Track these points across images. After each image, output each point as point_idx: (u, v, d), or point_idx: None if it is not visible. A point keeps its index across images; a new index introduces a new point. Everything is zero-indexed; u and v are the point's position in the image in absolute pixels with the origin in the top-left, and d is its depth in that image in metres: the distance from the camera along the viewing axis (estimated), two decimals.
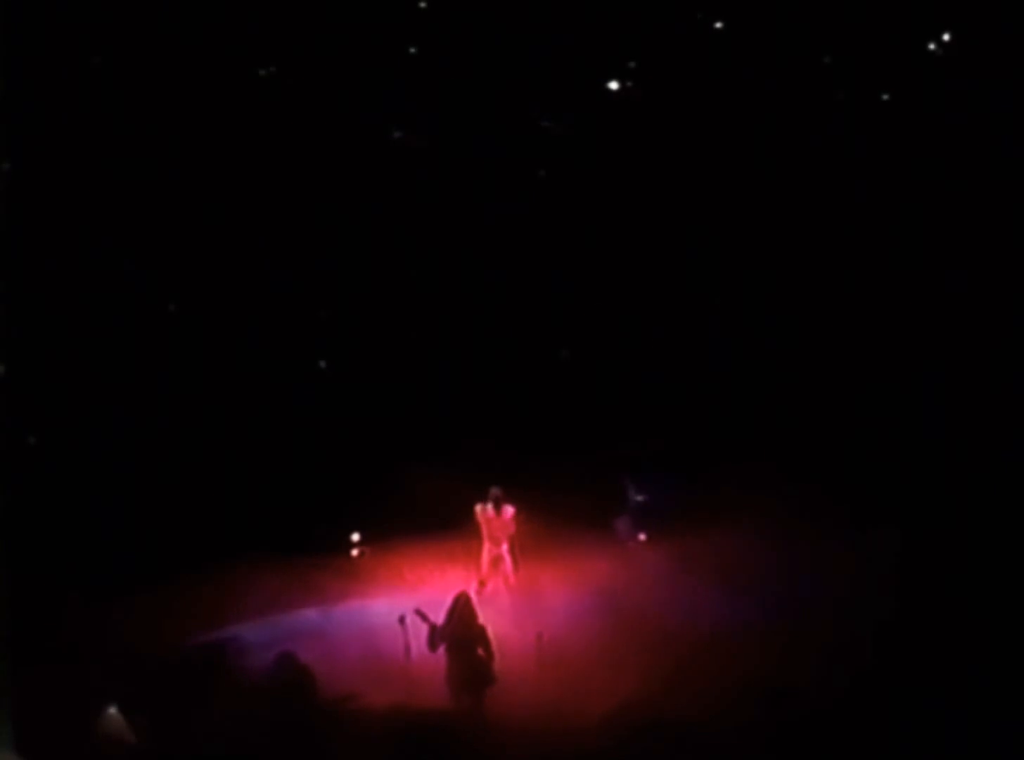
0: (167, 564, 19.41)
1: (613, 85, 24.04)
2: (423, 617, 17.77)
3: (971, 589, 18.57)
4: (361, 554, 20.19)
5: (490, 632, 17.69)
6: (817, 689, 16.93)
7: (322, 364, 23.34)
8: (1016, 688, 16.91)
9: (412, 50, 24.57)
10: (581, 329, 23.19)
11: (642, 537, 20.51)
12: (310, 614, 18.45)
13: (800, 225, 23.04)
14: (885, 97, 23.16)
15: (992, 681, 17.04)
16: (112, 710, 16.44)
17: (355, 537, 20.21)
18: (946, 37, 23.17)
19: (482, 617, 17.83)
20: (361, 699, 17.15)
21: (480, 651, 17.54)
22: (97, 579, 19.07)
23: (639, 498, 21.07)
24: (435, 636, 17.63)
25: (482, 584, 19.73)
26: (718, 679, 17.71)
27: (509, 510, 19.70)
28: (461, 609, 17.72)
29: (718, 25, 23.86)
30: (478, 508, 19.78)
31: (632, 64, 23.99)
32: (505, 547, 19.77)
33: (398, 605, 18.60)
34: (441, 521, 20.14)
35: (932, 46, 23.19)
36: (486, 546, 19.81)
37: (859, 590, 18.67)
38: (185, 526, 20.22)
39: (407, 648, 18.01)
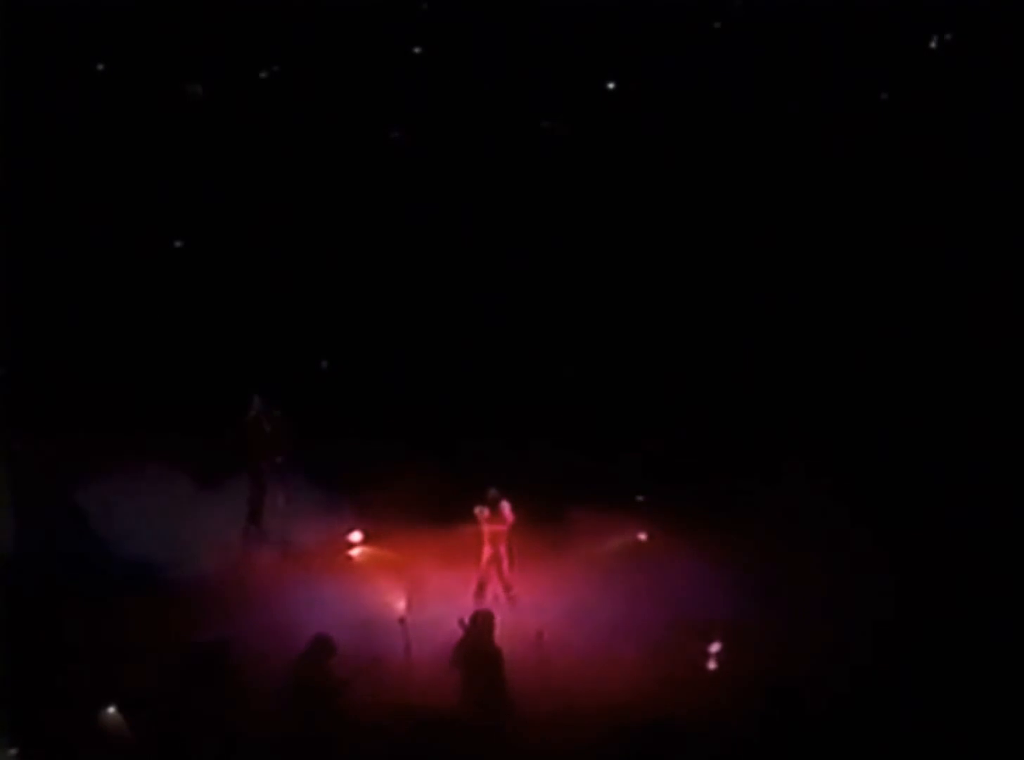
0: (167, 563, 19.50)
1: (611, 85, 24.10)
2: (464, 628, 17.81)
3: (971, 589, 18.59)
4: (361, 554, 20.19)
5: (504, 653, 17.54)
6: (817, 689, 16.91)
7: (324, 363, 23.39)
8: (1016, 689, 16.92)
9: (416, 50, 24.68)
10: (582, 329, 23.23)
11: (642, 537, 20.49)
12: (310, 613, 18.40)
13: (801, 226, 23.10)
14: (884, 96, 23.21)
15: (992, 681, 17.06)
16: (112, 710, 16.45)
17: (355, 537, 20.22)
18: (947, 36, 23.18)
19: (498, 635, 17.80)
20: (358, 694, 17.13)
21: (496, 671, 17.41)
22: (97, 579, 19.11)
23: (640, 498, 21.06)
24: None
25: (482, 585, 19.72)
26: (719, 679, 17.78)
27: (507, 511, 19.70)
28: (481, 626, 17.67)
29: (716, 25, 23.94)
30: (477, 510, 19.78)
31: (630, 63, 24.06)
32: (503, 548, 19.77)
33: (398, 604, 18.74)
34: (442, 522, 20.12)
35: (933, 44, 23.21)
36: (485, 547, 19.81)
37: (859, 590, 18.66)
38: (185, 524, 20.28)
39: (407, 648, 18.07)
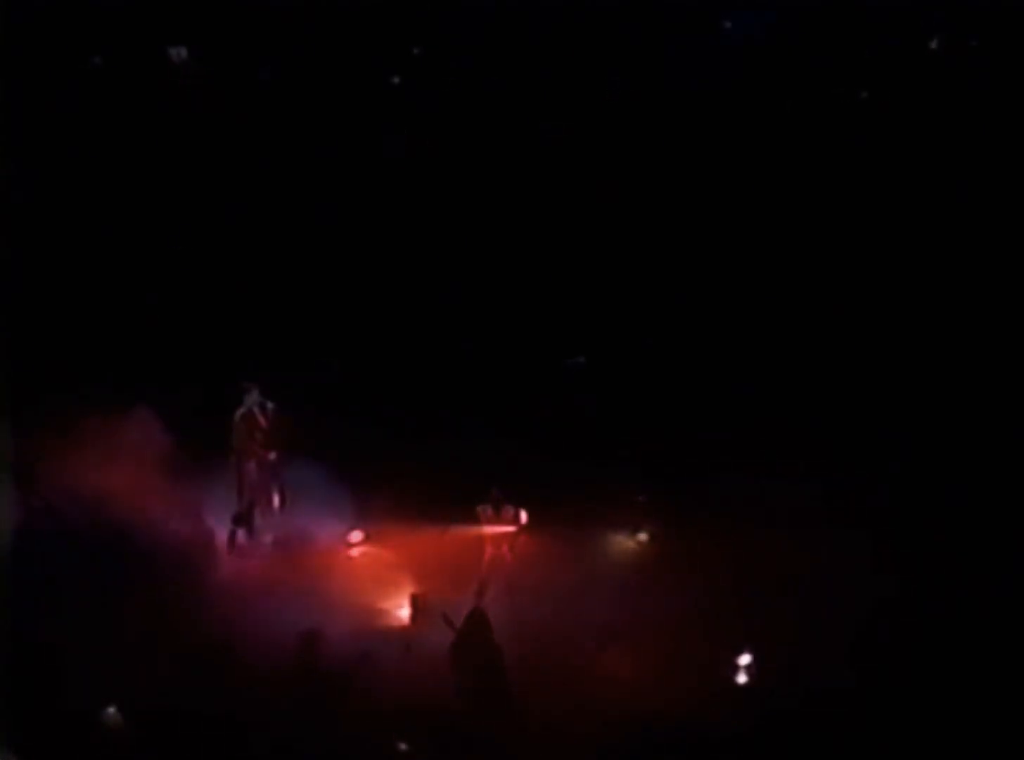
0: (167, 562, 19.50)
1: (611, 90, 24.15)
2: (450, 624, 17.76)
3: (971, 589, 18.63)
4: (361, 554, 20.22)
5: (505, 653, 17.62)
6: (817, 689, 16.94)
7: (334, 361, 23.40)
8: (1016, 688, 16.94)
9: (415, 51, 24.72)
10: (583, 330, 23.25)
11: (643, 537, 20.53)
12: (310, 613, 18.43)
13: (803, 229, 23.15)
14: (886, 96, 23.25)
15: (992, 681, 17.09)
16: (112, 710, 16.47)
17: (355, 537, 20.24)
18: (943, 37, 23.24)
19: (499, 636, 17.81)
20: (357, 694, 17.18)
21: (494, 670, 17.44)
22: (97, 572, 19.12)
23: (640, 498, 21.07)
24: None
25: (483, 585, 19.75)
26: (718, 679, 17.81)
27: (509, 511, 19.75)
28: (477, 626, 17.65)
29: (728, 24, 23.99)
30: (479, 510, 19.83)
31: (630, 67, 24.11)
32: (505, 548, 19.82)
33: (398, 605, 18.77)
34: (442, 522, 20.14)
35: (933, 45, 23.27)
36: (487, 547, 19.86)
37: (859, 590, 18.69)
38: (185, 522, 20.28)
39: (407, 648, 18.10)
